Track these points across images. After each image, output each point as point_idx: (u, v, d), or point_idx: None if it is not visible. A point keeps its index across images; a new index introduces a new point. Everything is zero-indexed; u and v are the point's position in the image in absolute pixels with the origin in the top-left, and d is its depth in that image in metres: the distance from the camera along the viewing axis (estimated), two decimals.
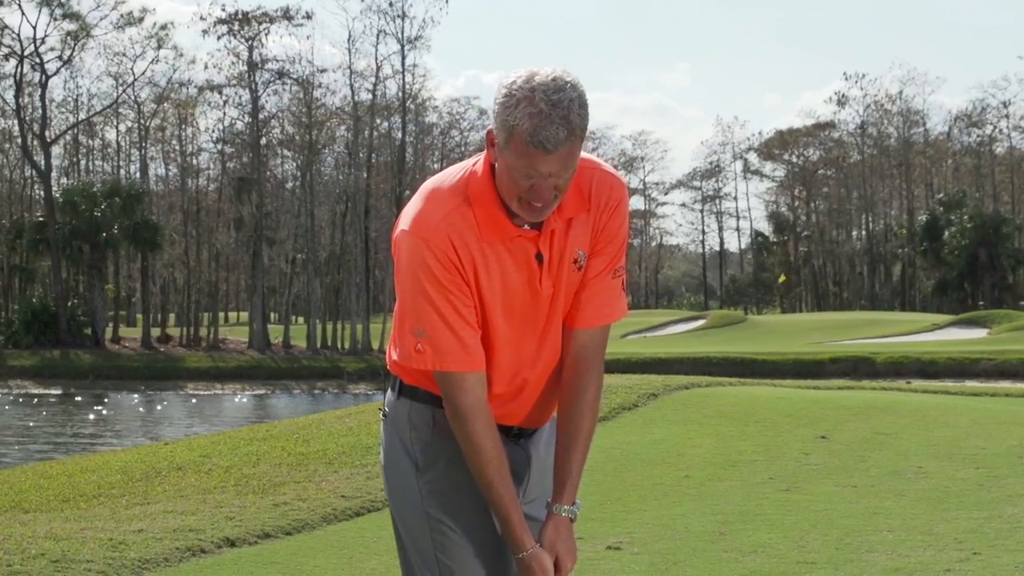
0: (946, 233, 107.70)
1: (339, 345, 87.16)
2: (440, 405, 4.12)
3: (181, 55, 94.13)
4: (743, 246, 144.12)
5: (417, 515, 4.15)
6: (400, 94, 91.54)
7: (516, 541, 4.04)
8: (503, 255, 4.02)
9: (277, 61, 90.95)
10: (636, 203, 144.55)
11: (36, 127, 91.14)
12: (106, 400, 58.92)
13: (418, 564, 4.17)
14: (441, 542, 4.11)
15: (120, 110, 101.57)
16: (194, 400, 60.54)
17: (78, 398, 59.69)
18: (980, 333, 72.27)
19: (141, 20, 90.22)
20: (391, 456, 4.27)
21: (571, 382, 4.20)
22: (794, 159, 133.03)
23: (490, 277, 4.02)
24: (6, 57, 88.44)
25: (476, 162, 4.06)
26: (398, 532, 4.27)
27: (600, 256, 4.16)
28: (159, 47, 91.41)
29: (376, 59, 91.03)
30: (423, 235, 3.97)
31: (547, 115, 3.81)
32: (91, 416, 48.42)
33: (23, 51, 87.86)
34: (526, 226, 4.03)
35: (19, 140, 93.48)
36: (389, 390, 4.29)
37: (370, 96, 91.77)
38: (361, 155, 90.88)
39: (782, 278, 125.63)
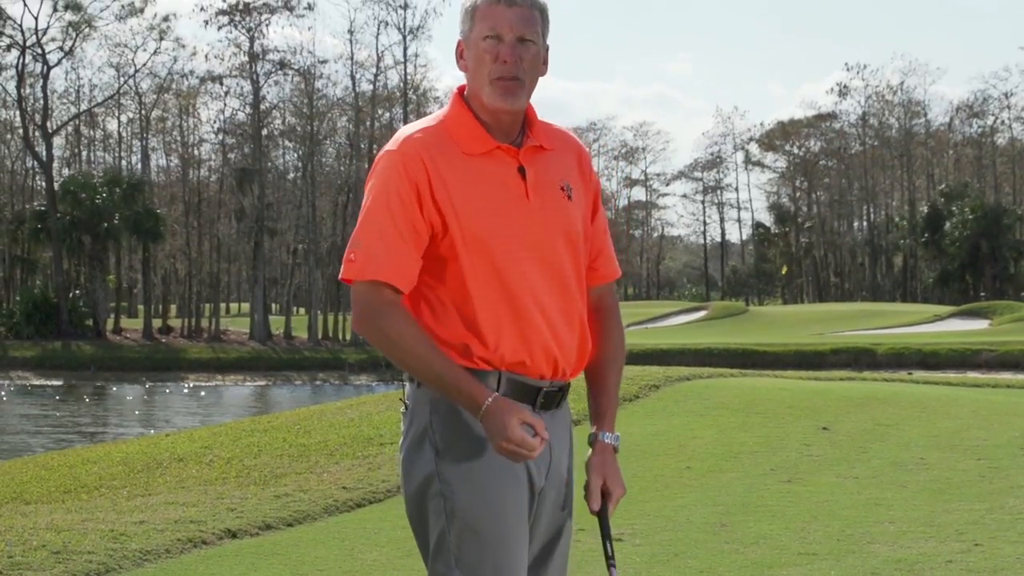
0: (947, 224, 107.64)
1: (340, 336, 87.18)
2: None
3: (183, 46, 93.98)
4: (744, 237, 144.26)
5: (435, 503, 4.06)
6: (402, 85, 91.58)
7: (474, 397, 3.97)
8: (484, 169, 4.10)
9: (278, 52, 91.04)
10: (638, 194, 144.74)
11: (38, 118, 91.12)
12: (114, 394, 58.97)
13: (437, 552, 4.07)
14: (459, 528, 4.02)
15: (121, 101, 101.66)
16: (196, 391, 60.56)
17: (78, 387, 59.77)
18: (981, 324, 72.27)
19: (142, 11, 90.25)
20: (412, 446, 4.14)
21: (597, 327, 4.35)
22: (795, 150, 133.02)
23: (472, 192, 4.07)
24: (8, 48, 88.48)
25: (443, 107, 4.26)
26: (416, 525, 4.15)
27: (597, 214, 4.35)
28: (161, 39, 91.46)
29: (377, 49, 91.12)
30: (401, 149, 4.09)
31: None
32: (91, 402, 48.45)
33: (25, 42, 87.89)
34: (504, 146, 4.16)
35: (20, 131, 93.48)
36: (407, 382, 4.22)
37: (371, 87, 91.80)
38: (363, 146, 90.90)
39: (784, 269, 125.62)
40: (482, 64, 4.09)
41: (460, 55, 4.19)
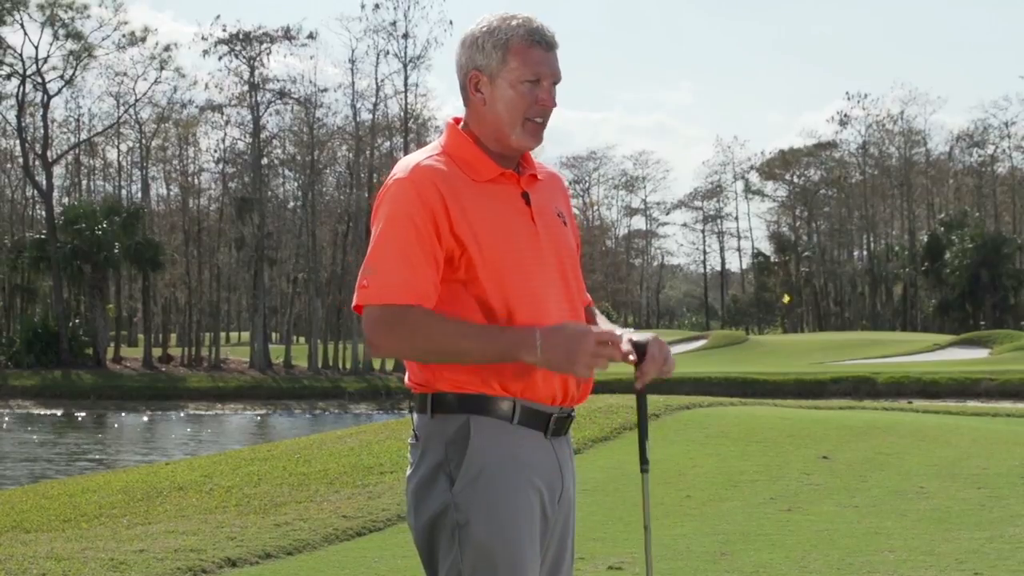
0: (947, 253, 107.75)
1: (340, 365, 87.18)
2: (475, 410, 4.07)
3: (183, 76, 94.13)
4: (744, 266, 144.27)
5: (448, 533, 4.03)
6: (402, 114, 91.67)
7: (522, 336, 3.97)
8: (495, 194, 4.13)
9: (278, 81, 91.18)
10: (638, 223, 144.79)
11: (38, 147, 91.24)
12: (115, 422, 58.92)
13: None
14: (474, 558, 3.99)
15: (121, 130, 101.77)
16: (196, 420, 60.49)
17: (78, 416, 59.71)
18: (981, 353, 72.25)
19: (143, 40, 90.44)
20: (425, 479, 4.10)
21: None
22: (795, 179, 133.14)
23: (489, 216, 4.09)
24: (8, 77, 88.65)
25: (440, 138, 4.27)
26: (426, 557, 4.12)
27: (578, 246, 4.39)
28: (161, 68, 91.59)
29: (377, 79, 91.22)
30: (412, 176, 4.08)
31: (531, 19, 4.16)
32: (99, 435, 48.40)
33: (25, 70, 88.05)
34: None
35: (21, 160, 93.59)
36: (417, 414, 4.18)
37: (371, 116, 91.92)
38: (363, 175, 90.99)
39: (786, 298, 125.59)
40: (517, 105, 4.11)
41: (476, 86, 4.17)
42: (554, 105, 4.15)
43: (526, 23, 4.13)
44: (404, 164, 4.15)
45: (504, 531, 4.00)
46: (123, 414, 63.33)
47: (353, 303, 4.11)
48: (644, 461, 4.33)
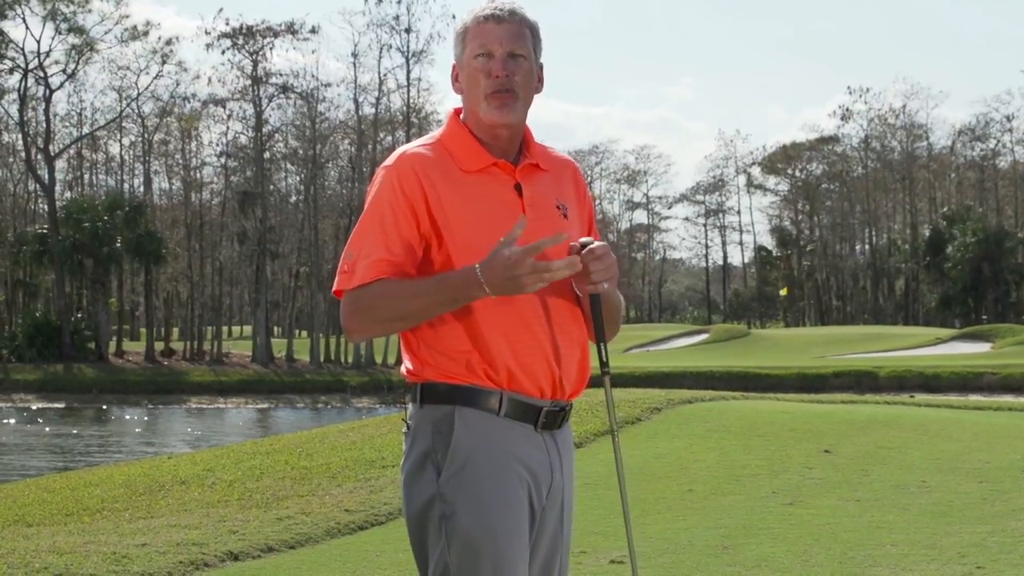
0: (949, 247, 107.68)
1: (342, 359, 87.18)
2: (462, 401, 4.08)
3: (185, 70, 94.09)
4: (746, 260, 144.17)
5: (435, 524, 4.04)
6: (404, 108, 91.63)
7: (465, 276, 3.98)
8: (481, 185, 4.14)
9: (281, 75, 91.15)
10: (640, 217, 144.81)
11: (40, 141, 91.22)
12: (114, 413, 58.96)
13: (437, 574, 4.03)
14: (460, 549, 3.99)
15: (124, 124, 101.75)
16: (198, 414, 60.52)
17: (81, 410, 59.74)
18: (983, 347, 72.25)
19: (146, 34, 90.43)
20: (414, 468, 4.12)
21: None
22: (797, 173, 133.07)
23: (468, 207, 4.10)
24: (10, 71, 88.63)
25: (440, 127, 4.32)
26: (416, 547, 4.13)
27: (591, 235, 4.37)
28: (163, 62, 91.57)
29: (380, 73, 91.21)
30: (397, 164, 4.14)
31: (495, 2, 4.19)
32: (101, 428, 48.41)
33: (27, 65, 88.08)
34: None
35: (23, 154, 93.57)
36: (410, 403, 4.20)
37: (374, 110, 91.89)
38: (365, 169, 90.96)
39: (784, 291, 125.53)
40: (476, 83, 4.14)
41: (455, 78, 4.24)
42: (508, 75, 4.13)
43: (486, 6, 4.18)
44: (395, 152, 4.21)
45: (490, 523, 4.00)
46: (125, 408, 63.36)
47: (334, 287, 4.18)
48: (604, 364, 4.37)
